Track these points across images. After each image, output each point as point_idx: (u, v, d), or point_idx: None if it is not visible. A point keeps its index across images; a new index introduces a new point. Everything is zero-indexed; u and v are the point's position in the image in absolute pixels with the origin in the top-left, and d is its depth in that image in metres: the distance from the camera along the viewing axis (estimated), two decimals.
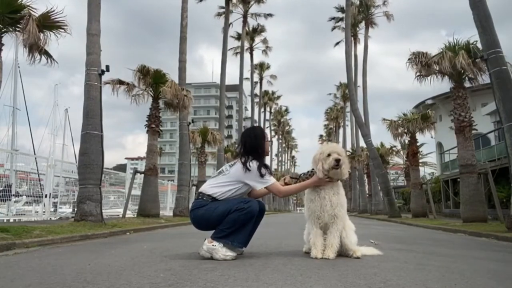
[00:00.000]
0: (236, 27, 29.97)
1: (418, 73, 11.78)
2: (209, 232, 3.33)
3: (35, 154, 20.52)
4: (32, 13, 6.83)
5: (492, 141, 18.20)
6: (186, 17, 14.75)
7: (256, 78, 41.43)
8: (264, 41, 35.69)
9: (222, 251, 3.15)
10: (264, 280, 2.32)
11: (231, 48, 30.93)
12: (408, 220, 13.70)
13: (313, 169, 3.39)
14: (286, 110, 59.65)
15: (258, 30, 34.59)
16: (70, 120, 44.51)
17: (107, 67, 8.03)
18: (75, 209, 7.99)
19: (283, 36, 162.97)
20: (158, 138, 12.00)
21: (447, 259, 3.64)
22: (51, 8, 7.17)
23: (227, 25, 25.06)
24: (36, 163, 13.89)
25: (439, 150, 27.78)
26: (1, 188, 10.83)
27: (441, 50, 10.87)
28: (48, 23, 7.16)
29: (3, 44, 6.57)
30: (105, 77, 8.53)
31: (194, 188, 16.37)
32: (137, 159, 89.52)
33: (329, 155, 3.25)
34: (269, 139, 3.74)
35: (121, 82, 10.99)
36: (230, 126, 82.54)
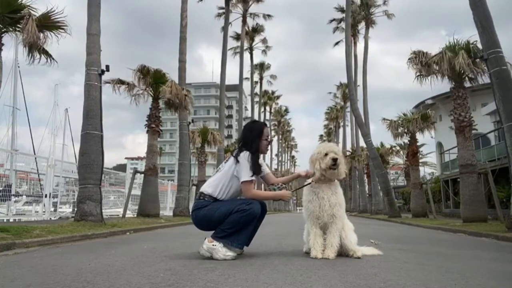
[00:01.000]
0: (236, 27, 29.95)
1: (418, 73, 11.79)
2: (209, 232, 3.33)
3: (35, 154, 20.49)
4: (32, 13, 6.84)
5: (492, 141, 18.19)
6: (186, 17, 14.78)
7: (256, 78, 41.42)
8: (264, 40, 35.65)
9: (222, 251, 3.15)
10: (264, 280, 2.32)
11: (231, 48, 30.90)
12: (408, 220, 13.70)
13: (282, 184, 3.54)
14: (286, 110, 59.66)
15: (257, 30, 34.56)
16: (70, 120, 44.42)
17: (107, 67, 8.01)
18: (75, 209, 7.99)
19: (283, 36, 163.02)
20: (158, 138, 12.02)
21: (447, 259, 3.64)
22: (51, 9, 7.19)
23: (227, 25, 25.03)
24: (36, 163, 13.86)
25: (439, 150, 27.79)
26: (1, 188, 10.81)
27: (441, 50, 10.86)
28: (48, 23, 7.17)
29: (3, 44, 6.57)
30: (105, 76, 8.53)
31: (194, 188, 16.38)
32: (137, 159, 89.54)
33: (326, 154, 3.26)
34: (269, 138, 3.54)
35: (121, 82, 11.03)
36: (230, 126, 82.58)
